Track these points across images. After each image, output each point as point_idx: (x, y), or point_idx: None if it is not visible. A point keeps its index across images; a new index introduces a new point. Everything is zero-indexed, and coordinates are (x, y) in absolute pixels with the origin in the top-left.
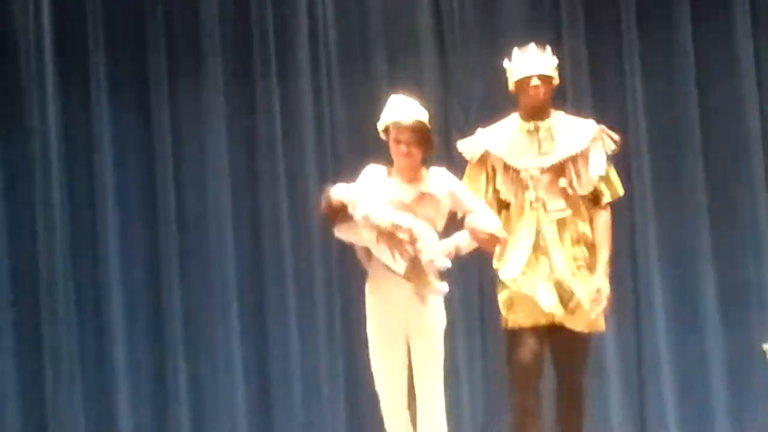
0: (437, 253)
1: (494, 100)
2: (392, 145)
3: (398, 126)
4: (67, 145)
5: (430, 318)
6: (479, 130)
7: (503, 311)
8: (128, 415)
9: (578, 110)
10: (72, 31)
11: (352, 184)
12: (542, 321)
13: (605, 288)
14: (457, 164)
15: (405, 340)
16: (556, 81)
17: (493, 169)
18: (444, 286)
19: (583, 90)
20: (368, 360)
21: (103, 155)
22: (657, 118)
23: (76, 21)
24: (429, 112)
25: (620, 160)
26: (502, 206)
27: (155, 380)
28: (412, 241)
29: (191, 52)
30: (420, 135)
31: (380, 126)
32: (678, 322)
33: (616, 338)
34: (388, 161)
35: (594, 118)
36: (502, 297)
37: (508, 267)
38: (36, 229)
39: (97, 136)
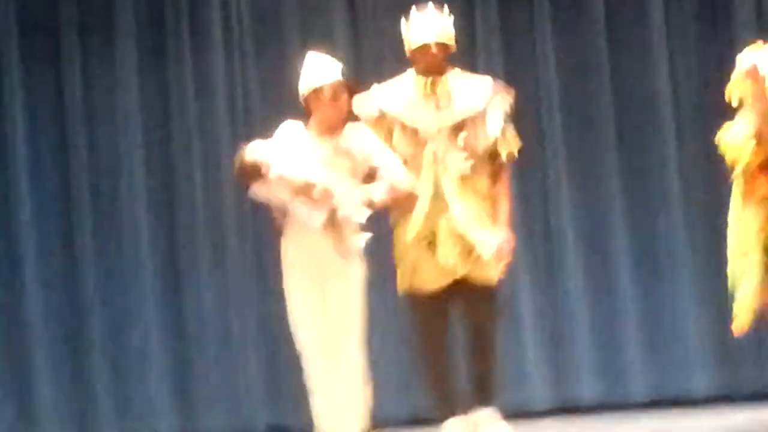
0: (354, 207)
1: (404, 59)
2: (326, 102)
3: (333, 85)
4: None
5: (348, 271)
6: (374, 87)
7: (402, 273)
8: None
9: (488, 67)
10: None
11: (266, 142)
12: (446, 281)
13: (508, 241)
14: None
15: (324, 295)
16: (453, 48)
17: (390, 130)
18: (361, 239)
19: (493, 47)
20: (284, 319)
21: (16, 124)
22: (567, 76)
23: None
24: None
25: (531, 117)
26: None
27: (69, 339)
28: (328, 196)
29: (104, 9)
30: (351, 90)
31: (307, 87)
32: (592, 274)
33: (531, 291)
34: (303, 117)
35: (504, 75)
36: (401, 259)
37: (407, 228)
38: None
39: (9, 105)
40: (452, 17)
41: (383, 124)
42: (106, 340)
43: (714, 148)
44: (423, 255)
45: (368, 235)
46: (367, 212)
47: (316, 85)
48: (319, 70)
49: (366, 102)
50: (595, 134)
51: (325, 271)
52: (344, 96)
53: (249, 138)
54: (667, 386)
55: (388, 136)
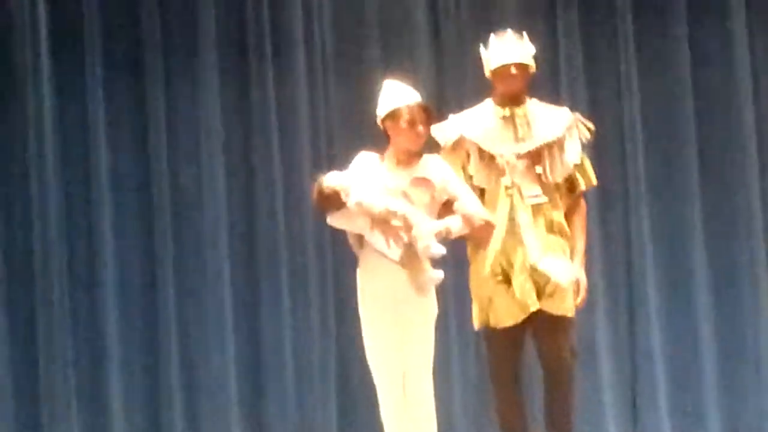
0: (433, 239)
1: (487, 90)
2: (403, 127)
3: (412, 107)
4: (63, 138)
5: (422, 306)
6: (452, 116)
7: (480, 309)
8: (121, 411)
9: (572, 98)
10: (66, 19)
11: (344, 172)
12: (520, 317)
13: (583, 278)
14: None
15: (398, 327)
16: (533, 69)
17: (468, 156)
18: (439, 274)
19: (577, 77)
20: (361, 349)
21: (98, 141)
22: (651, 106)
23: (71, 7)
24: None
25: (614, 147)
26: (477, 193)
27: (147, 372)
28: (407, 227)
29: (188, 35)
30: (430, 116)
31: (383, 111)
32: (671, 309)
33: (608, 325)
34: (381, 148)
35: (588, 106)
36: (477, 294)
37: (483, 262)
38: (31, 217)
39: (92, 122)
40: (534, 44)
41: (461, 149)
42: (182, 368)
43: None
44: (498, 289)
45: (442, 273)
46: (443, 248)
47: (394, 107)
48: (397, 94)
49: (444, 128)
50: (678, 168)
51: (401, 305)
52: (422, 120)
53: (330, 164)
54: (744, 426)
55: (466, 162)
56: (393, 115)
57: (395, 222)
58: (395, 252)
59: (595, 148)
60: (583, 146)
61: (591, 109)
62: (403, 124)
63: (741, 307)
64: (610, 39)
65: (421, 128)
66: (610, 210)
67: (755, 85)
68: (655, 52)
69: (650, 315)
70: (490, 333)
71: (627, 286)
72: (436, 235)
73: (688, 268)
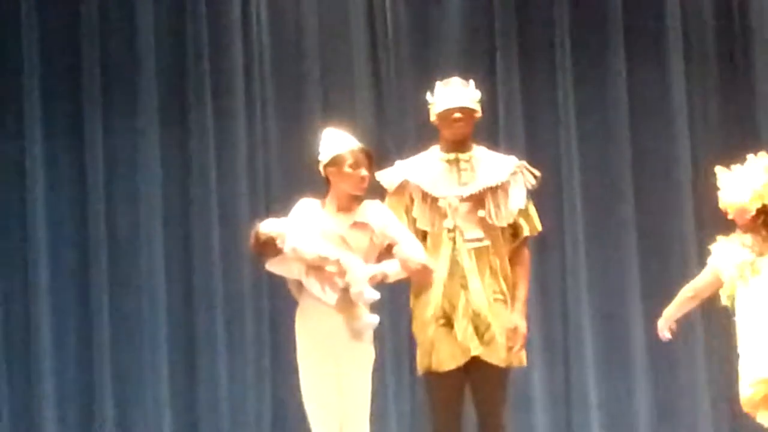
0: (366, 285)
1: (428, 134)
2: (348, 171)
3: (355, 152)
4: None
5: (359, 351)
6: (398, 162)
7: (422, 353)
8: None
9: (510, 144)
10: (5, 55)
11: (281, 218)
12: (462, 361)
13: (522, 326)
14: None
15: (335, 372)
16: (478, 114)
17: (411, 199)
18: (374, 318)
19: (515, 124)
20: (298, 391)
21: (35, 180)
22: (589, 155)
23: (10, 41)
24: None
25: (552, 196)
26: (419, 237)
27: (81, 410)
28: (341, 273)
29: (126, 77)
30: (371, 160)
31: (326, 157)
32: (607, 359)
33: (545, 373)
34: (319, 194)
35: (526, 153)
36: (420, 337)
37: (425, 306)
38: None
39: (30, 160)
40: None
41: (405, 192)
42: (117, 414)
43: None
44: (440, 332)
45: (377, 318)
46: (377, 293)
47: (337, 152)
48: (338, 140)
49: (389, 173)
50: (614, 213)
51: (338, 349)
52: (365, 165)
53: (268, 209)
54: None
55: (410, 205)
56: (336, 161)
57: (329, 268)
58: (331, 297)
59: (533, 195)
60: (529, 193)
61: (529, 155)
62: (347, 168)
63: (676, 360)
64: (549, 85)
65: (364, 172)
66: (546, 258)
67: (692, 131)
68: (593, 98)
69: (586, 365)
70: (432, 377)
71: (563, 335)
72: (371, 279)
73: (625, 319)
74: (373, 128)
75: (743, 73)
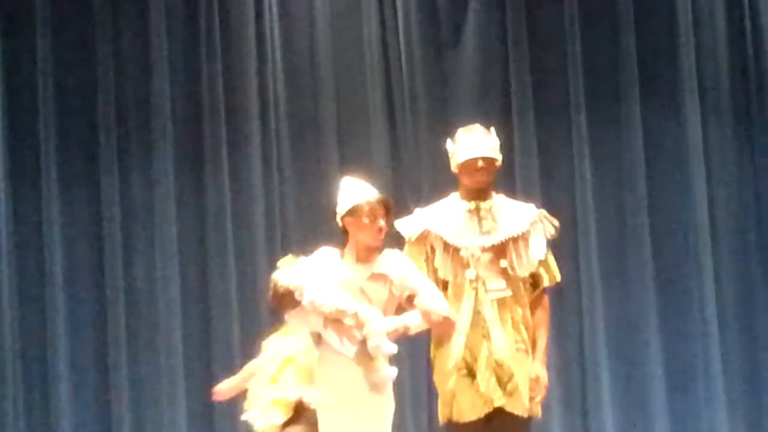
0: (383, 338)
1: (444, 183)
2: (365, 222)
3: (371, 203)
4: (17, 225)
5: (379, 403)
6: (417, 210)
7: (443, 403)
8: None
9: (527, 192)
10: (22, 107)
11: (300, 269)
12: (484, 412)
13: (543, 376)
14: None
15: (355, 424)
16: (499, 163)
17: (432, 249)
18: (392, 371)
19: (532, 174)
20: None
21: (53, 234)
22: (605, 204)
23: (26, 95)
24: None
25: (568, 243)
26: (440, 286)
27: None
28: (359, 325)
29: (142, 129)
30: (389, 211)
31: (343, 208)
32: (625, 407)
33: (563, 422)
34: (336, 242)
35: (542, 201)
36: (441, 388)
37: (447, 356)
38: None
39: (46, 214)
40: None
41: (426, 242)
42: None
43: (751, 272)
44: (462, 383)
45: (396, 370)
46: (395, 346)
47: (354, 203)
48: (356, 190)
49: (409, 222)
50: (631, 262)
51: (357, 400)
52: (383, 215)
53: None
54: None
55: (431, 255)
56: (353, 211)
57: (347, 320)
58: (349, 349)
59: (550, 246)
60: (548, 242)
61: (545, 204)
62: (364, 219)
63: (696, 405)
64: (564, 134)
65: (382, 223)
66: (563, 307)
67: (709, 180)
68: (608, 147)
69: (604, 414)
70: (453, 427)
71: (581, 384)
72: (393, 332)
73: (643, 367)
74: (389, 176)
75: (759, 121)
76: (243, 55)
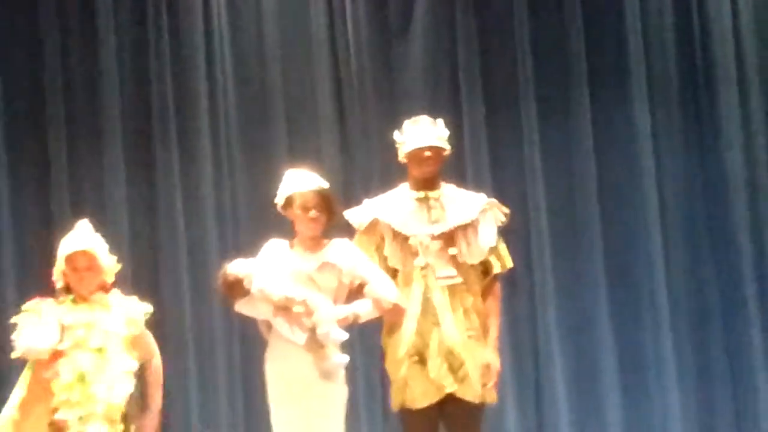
0: (333, 325)
1: (394, 173)
2: (298, 213)
3: (304, 193)
4: None
5: (331, 391)
6: (366, 201)
7: (396, 390)
8: None
9: (477, 182)
10: None
11: (249, 259)
12: (436, 398)
13: (495, 363)
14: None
15: (307, 412)
16: (447, 152)
17: (382, 237)
18: (343, 358)
19: (482, 164)
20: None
21: (2, 236)
22: (555, 192)
23: None
24: (329, 184)
25: (519, 233)
26: (391, 274)
27: None
28: (308, 313)
29: (91, 122)
30: (326, 201)
31: (281, 199)
32: (579, 394)
33: (517, 409)
34: (290, 235)
35: (493, 190)
36: (394, 375)
37: (398, 343)
38: None
39: None
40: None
41: (375, 231)
42: None
43: (701, 260)
44: (414, 370)
45: (347, 357)
46: (345, 334)
47: (287, 194)
48: (293, 182)
49: (359, 212)
50: (582, 248)
51: (308, 389)
52: (316, 205)
53: (236, 251)
54: None
55: (381, 243)
56: (288, 202)
57: (297, 308)
58: (300, 337)
59: (502, 232)
60: (499, 230)
61: (496, 192)
62: (297, 210)
63: (648, 394)
64: (514, 122)
65: (313, 213)
66: (516, 294)
67: (658, 169)
68: (558, 134)
69: (558, 402)
70: (406, 414)
71: (534, 370)
72: (343, 320)
73: (595, 356)
74: (338, 167)
75: (707, 110)
76: (191, 48)
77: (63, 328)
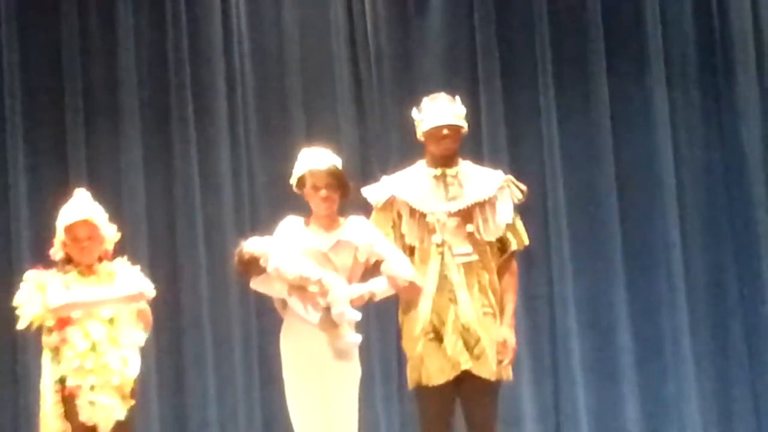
0: (347, 305)
1: (411, 150)
2: (310, 192)
3: (314, 172)
4: None
5: (345, 369)
6: (384, 177)
7: (412, 367)
8: None
9: (494, 159)
10: None
11: (265, 237)
12: (452, 375)
13: (511, 340)
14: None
15: (321, 390)
16: (465, 130)
17: (399, 215)
18: (356, 338)
19: (499, 142)
20: (286, 412)
21: (19, 200)
22: (573, 171)
23: None
24: (346, 164)
25: (537, 210)
26: (407, 252)
27: None
28: (323, 293)
29: (108, 102)
30: (336, 179)
31: (294, 178)
32: (595, 371)
33: (533, 387)
34: (306, 213)
35: (510, 168)
36: (410, 353)
37: (414, 321)
38: None
39: (13, 185)
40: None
41: (392, 208)
42: None
43: (719, 240)
44: (430, 347)
45: (360, 337)
46: (359, 314)
47: (300, 173)
48: (307, 160)
49: (376, 189)
50: (599, 226)
51: (323, 367)
52: (327, 185)
53: (253, 229)
54: None
55: (397, 221)
56: (300, 181)
57: (311, 288)
58: (314, 317)
59: (519, 209)
60: (515, 207)
61: (513, 170)
62: (308, 189)
63: (664, 372)
64: (532, 100)
65: (324, 192)
66: (533, 272)
67: (675, 145)
68: (576, 113)
69: (574, 377)
70: (422, 391)
71: (551, 348)
72: (358, 300)
73: (612, 330)
74: (356, 145)
75: (725, 89)
76: (209, 27)
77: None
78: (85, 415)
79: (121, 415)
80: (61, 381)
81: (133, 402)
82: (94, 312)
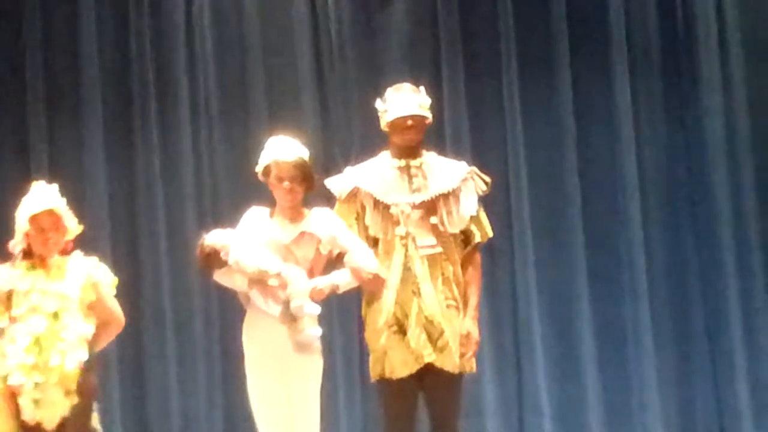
0: (306, 299)
1: (374, 141)
2: (274, 183)
3: (279, 163)
4: None
5: (306, 362)
6: (348, 169)
7: (375, 360)
8: None
9: (457, 150)
10: None
11: (227, 230)
12: (415, 368)
13: (474, 332)
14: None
15: (283, 383)
16: (429, 121)
17: (363, 206)
18: (317, 331)
19: (462, 130)
20: (248, 403)
21: None
22: (536, 162)
23: None
24: (309, 153)
25: (500, 201)
26: (371, 244)
27: None
28: (283, 286)
29: (70, 91)
30: (302, 172)
31: (260, 167)
32: (557, 363)
33: (496, 379)
34: (270, 204)
35: (473, 159)
36: (373, 345)
37: (377, 313)
38: None
39: None
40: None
41: (356, 200)
42: None
43: (680, 231)
44: (394, 340)
45: (320, 330)
46: (318, 307)
47: (265, 163)
48: (273, 150)
49: (339, 180)
50: (562, 218)
51: (285, 360)
52: (291, 176)
53: (215, 220)
54: None
55: (361, 212)
56: (265, 172)
57: (271, 281)
58: (274, 310)
59: (481, 202)
60: (479, 199)
61: (476, 161)
62: (273, 180)
63: (626, 362)
64: (495, 91)
65: (287, 184)
66: (496, 264)
67: (638, 136)
68: (539, 104)
69: (537, 370)
70: (385, 384)
71: (514, 340)
72: (320, 291)
73: (574, 325)
74: (319, 136)
75: (688, 80)
76: (172, 17)
77: (14, 294)
78: (27, 414)
79: (65, 411)
80: (4, 379)
81: (77, 399)
82: (38, 307)
